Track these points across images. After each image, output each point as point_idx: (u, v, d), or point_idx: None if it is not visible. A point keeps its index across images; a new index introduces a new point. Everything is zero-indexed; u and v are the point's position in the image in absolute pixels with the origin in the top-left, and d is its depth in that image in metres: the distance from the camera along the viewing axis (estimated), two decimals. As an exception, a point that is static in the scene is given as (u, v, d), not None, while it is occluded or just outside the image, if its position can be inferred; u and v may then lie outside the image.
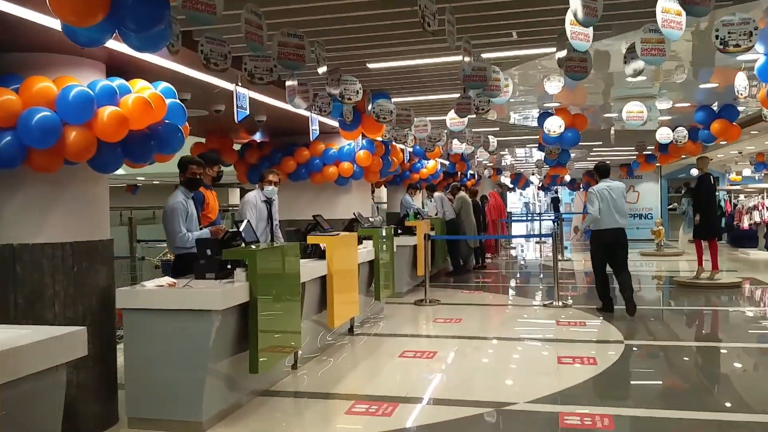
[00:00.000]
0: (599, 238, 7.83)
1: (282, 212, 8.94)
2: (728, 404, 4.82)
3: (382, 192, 14.86)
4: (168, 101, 4.41)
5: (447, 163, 13.57)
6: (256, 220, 6.41)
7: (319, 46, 4.13)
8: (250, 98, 6.53)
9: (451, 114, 6.85)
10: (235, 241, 5.00)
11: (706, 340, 7.28)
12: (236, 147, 9.26)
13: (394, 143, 9.26)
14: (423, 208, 13.77)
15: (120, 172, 17.89)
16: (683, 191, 20.57)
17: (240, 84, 4.88)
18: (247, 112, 4.93)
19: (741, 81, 5.51)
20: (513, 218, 25.64)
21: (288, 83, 4.65)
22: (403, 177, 14.11)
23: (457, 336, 7.11)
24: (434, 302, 9.07)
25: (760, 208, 15.36)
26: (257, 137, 9.25)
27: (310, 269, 5.86)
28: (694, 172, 20.40)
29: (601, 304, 8.09)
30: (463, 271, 12.80)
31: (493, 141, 9.87)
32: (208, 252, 4.69)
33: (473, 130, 9.30)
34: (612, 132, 9.16)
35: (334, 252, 6.26)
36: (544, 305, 8.73)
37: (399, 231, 10.18)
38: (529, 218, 32.78)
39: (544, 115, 8.49)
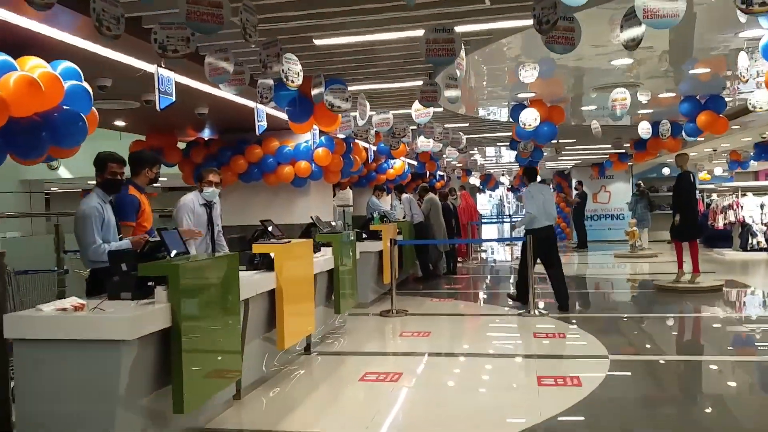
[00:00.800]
0: (535, 236, 8.01)
1: (233, 218, 8.15)
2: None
3: (348, 194, 14.11)
4: (68, 84, 3.61)
5: (415, 163, 12.87)
6: (194, 226, 5.60)
7: (248, 11, 3.34)
8: (188, 87, 5.71)
9: (416, 105, 6.13)
10: (159, 252, 4.18)
11: (697, 352, 6.69)
12: (181, 145, 8.43)
13: (356, 141, 8.51)
14: (392, 210, 13.06)
15: (68, 175, 16.66)
16: (634, 191, 20.32)
17: (163, 65, 4.07)
18: (172, 98, 4.12)
19: (743, 62, 4.90)
20: (484, 220, 25.08)
21: (208, 60, 3.85)
22: (369, 178, 13.42)
23: (426, 353, 6.38)
24: (401, 313, 8.35)
25: (735, 207, 14.99)
26: (205, 134, 8.43)
27: (254, 283, 5.08)
28: (666, 171, 20.15)
29: (516, 294, 8.52)
30: (433, 276, 12.13)
31: (462, 138, 9.21)
32: (123, 267, 3.87)
33: (444, 126, 8.61)
34: (595, 125, 8.53)
35: (285, 262, 5.48)
36: (519, 314, 8.08)
37: (364, 236, 9.45)
38: (499, 220, 32.50)
39: (518, 108, 7.84)
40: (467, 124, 9.03)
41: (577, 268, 14.49)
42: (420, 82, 5.47)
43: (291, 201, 8.08)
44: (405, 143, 8.70)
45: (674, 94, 8.36)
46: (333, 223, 7.52)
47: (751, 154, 14.95)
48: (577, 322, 7.49)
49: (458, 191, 15.87)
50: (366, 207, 12.78)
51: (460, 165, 18.67)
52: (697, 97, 8.38)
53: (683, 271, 9.71)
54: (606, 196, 21.31)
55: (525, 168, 8.39)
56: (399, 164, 13.31)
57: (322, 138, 7.83)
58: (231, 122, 7.45)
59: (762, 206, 14.79)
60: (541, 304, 8.41)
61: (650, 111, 9.49)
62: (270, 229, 6.00)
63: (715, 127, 8.20)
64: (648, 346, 6.68)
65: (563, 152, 14.11)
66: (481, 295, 10.62)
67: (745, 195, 15.07)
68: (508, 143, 11.03)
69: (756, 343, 6.67)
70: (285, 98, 5.13)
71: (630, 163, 17.58)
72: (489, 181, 24.80)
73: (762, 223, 14.74)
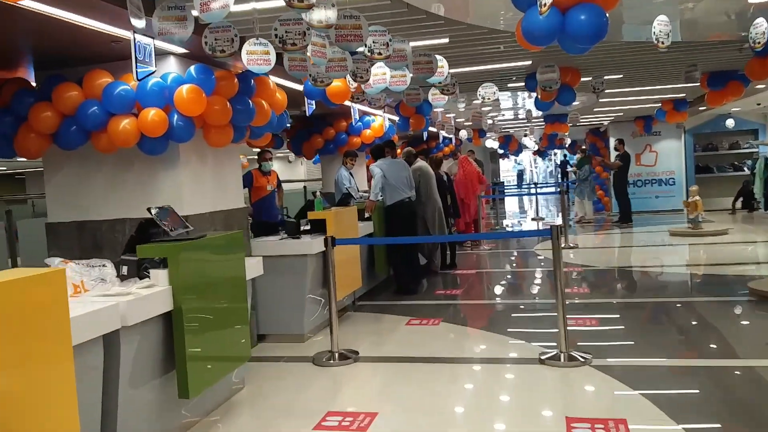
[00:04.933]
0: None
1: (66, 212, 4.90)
2: None
3: (312, 167, 10.73)
4: None
5: (396, 119, 9.42)
6: None
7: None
8: None
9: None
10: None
11: None
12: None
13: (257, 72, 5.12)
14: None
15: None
16: (578, 156, 16.56)
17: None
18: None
19: None
20: (500, 191, 21.50)
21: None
22: (339, 142, 10.06)
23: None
24: (347, 357, 5.06)
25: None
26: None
27: None
28: (730, 123, 16.28)
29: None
30: (425, 274, 8.80)
31: (437, 63, 5.39)
32: None
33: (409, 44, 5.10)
34: (660, 33, 4.81)
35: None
36: (542, 360, 4.73)
37: (301, 229, 6.15)
38: (521, 191, 28.76)
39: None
40: (446, 40, 5.41)
41: (619, 255, 10.96)
42: None
43: (145, 182, 4.77)
44: (356, 84, 5.28)
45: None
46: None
47: None
48: (643, 380, 4.12)
49: (457, 155, 12.39)
50: (333, 183, 9.45)
51: (469, 123, 15.15)
52: None
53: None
54: (652, 157, 17.55)
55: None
56: (378, 123, 9.90)
57: (193, 68, 4.49)
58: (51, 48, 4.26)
59: None
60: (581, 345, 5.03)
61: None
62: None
63: None
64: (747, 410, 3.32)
65: (602, 98, 10.48)
66: (486, 311, 7.21)
67: None
68: (523, 83, 7.54)
69: None
70: None
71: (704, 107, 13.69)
72: (509, 144, 21.16)
73: None
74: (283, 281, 5.68)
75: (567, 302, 4.88)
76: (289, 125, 10.87)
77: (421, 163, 8.91)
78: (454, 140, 16.46)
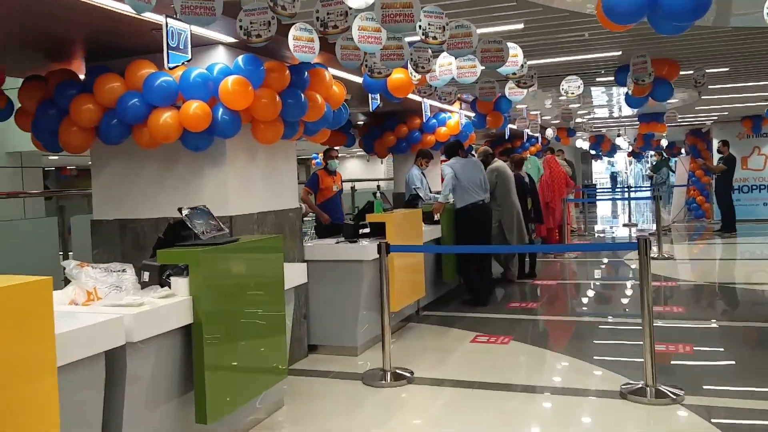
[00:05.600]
0: None
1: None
2: None
3: (382, 166, 10.33)
4: None
5: (472, 115, 8.84)
6: None
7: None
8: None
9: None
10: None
11: None
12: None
13: (322, 67, 4.73)
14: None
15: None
16: (656, 158, 14.91)
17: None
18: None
19: None
20: (591, 194, 20.34)
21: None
22: (412, 140, 9.59)
23: None
24: (400, 377, 4.59)
25: None
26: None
27: None
28: None
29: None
30: (499, 283, 8.20)
31: (507, 49, 4.71)
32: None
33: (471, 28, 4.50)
34: None
35: None
36: (623, 395, 4.08)
37: (360, 232, 5.74)
38: (613, 195, 27.32)
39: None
40: (521, 26, 4.70)
41: (720, 268, 9.88)
42: None
43: (190, 180, 4.47)
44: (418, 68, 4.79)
45: None
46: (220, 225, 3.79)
47: None
48: (746, 426, 3.42)
49: (543, 155, 11.62)
50: (404, 183, 8.99)
51: (556, 122, 14.30)
52: None
53: None
54: (761, 161, 16.00)
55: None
56: (454, 120, 9.35)
57: (240, 58, 4.15)
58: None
59: None
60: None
61: None
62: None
63: None
64: None
65: (704, 95, 9.45)
66: (563, 330, 6.53)
67: None
68: (613, 76, 6.78)
69: None
70: None
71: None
72: (602, 144, 19.95)
73: None
74: (336, 289, 5.28)
75: (658, 323, 4.20)
76: (362, 123, 10.54)
77: (498, 163, 8.30)
78: (540, 139, 15.60)
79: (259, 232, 4.66)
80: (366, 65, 4.22)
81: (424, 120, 7.38)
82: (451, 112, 9.40)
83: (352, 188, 12.25)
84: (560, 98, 8.78)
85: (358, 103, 7.53)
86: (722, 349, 5.17)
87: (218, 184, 4.43)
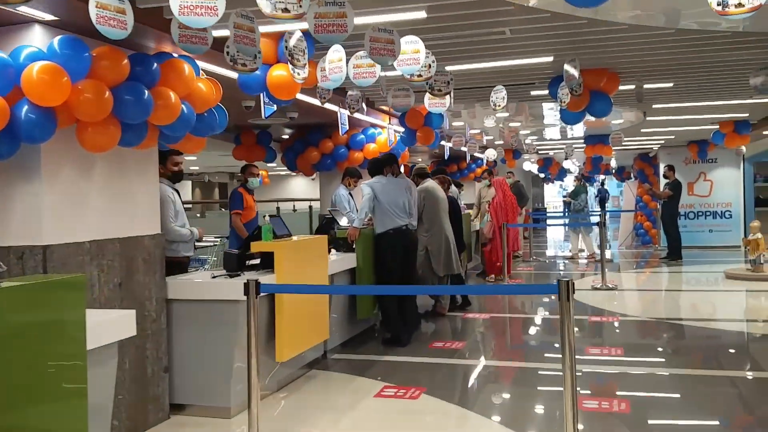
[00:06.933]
0: None
1: None
2: None
3: (308, 186, 9.41)
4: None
5: (402, 130, 7.99)
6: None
7: None
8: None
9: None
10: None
11: None
12: None
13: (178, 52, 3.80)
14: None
15: None
16: (574, 185, 14.67)
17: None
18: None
19: None
20: (539, 219, 19.81)
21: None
22: (337, 157, 8.74)
23: None
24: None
25: None
26: None
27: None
28: (801, 150, 14.28)
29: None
30: (424, 318, 7.33)
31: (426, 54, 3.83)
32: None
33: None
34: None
35: None
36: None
37: (247, 264, 4.77)
38: (558, 219, 26.80)
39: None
40: (423, 14, 3.72)
41: (666, 300, 9.22)
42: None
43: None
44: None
45: None
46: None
47: None
48: None
49: (490, 176, 10.85)
50: (330, 203, 8.07)
51: (501, 143, 13.65)
52: None
53: None
54: (706, 187, 15.64)
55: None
56: (383, 137, 8.51)
57: (56, 40, 3.17)
58: None
59: None
60: None
61: None
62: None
63: None
64: None
65: (650, 116, 8.80)
66: (485, 378, 5.64)
67: None
68: (547, 86, 6.01)
69: None
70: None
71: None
72: (549, 167, 19.43)
73: None
74: (207, 335, 4.29)
75: (587, 370, 3.36)
76: (287, 136, 9.61)
77: (428, 183, 7.46)
78: (486, 161, 14.86)
79: (93, 265, 3.66)
80: (228, 53, 3.31)
81: (340, 132, 6.48)
82: (381, 127, 8.56)
83: (294, 209, 11.33)
84: (496, 114, 8.01)
85: (280, 114, 6.66)
86: (664, 400, 4.37)
87: (29, 205, 3.42)
